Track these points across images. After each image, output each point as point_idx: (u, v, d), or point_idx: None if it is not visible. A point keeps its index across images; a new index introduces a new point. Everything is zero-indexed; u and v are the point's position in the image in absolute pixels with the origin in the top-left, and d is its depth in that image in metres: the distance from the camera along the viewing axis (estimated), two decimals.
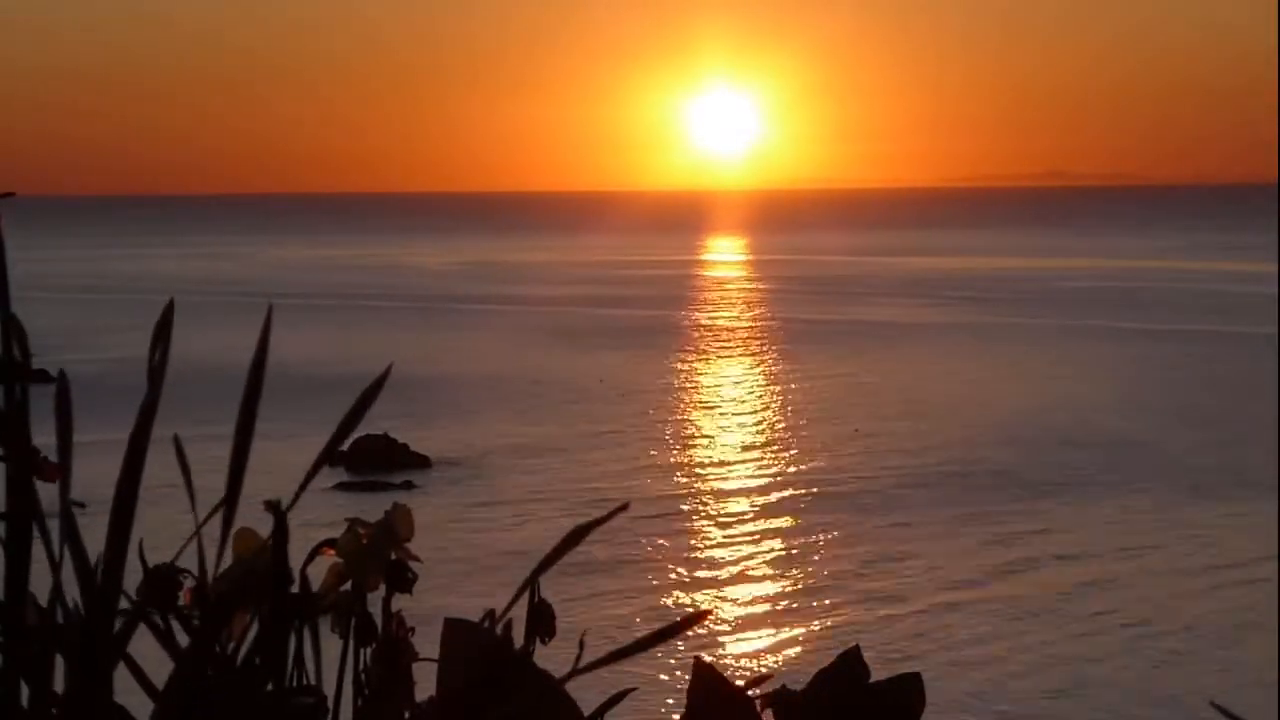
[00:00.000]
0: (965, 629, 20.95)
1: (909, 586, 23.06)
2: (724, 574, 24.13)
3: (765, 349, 54.31)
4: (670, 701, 17.08)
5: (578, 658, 2.04)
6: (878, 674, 2.54)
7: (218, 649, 1.92)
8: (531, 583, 2.13)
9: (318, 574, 2.14)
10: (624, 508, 1.98)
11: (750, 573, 24.17)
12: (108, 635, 1.84)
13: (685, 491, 29.56)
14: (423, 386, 40.42)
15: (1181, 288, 79.29)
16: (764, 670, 18.09)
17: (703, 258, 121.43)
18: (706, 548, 25.56)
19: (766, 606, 22.32)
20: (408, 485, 29.53)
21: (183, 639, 1.97)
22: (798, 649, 20.31)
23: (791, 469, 31.80)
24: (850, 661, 2.52)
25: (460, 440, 34.31)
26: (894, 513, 27.51)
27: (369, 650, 2.19)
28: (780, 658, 19.98)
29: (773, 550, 25.41)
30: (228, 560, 1.97)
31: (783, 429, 36.84)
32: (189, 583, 2.02)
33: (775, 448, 34.33)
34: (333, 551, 2.19)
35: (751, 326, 63.10)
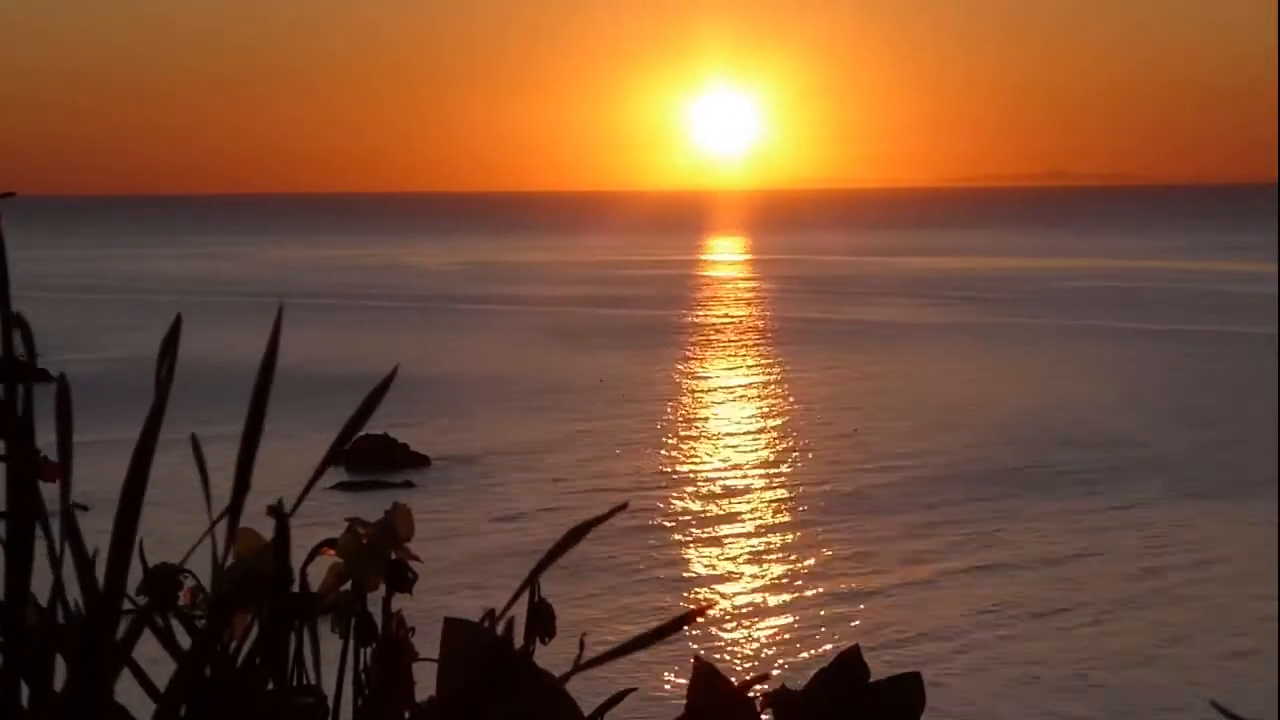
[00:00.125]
0: (965, 629, 20.94)
1: (909, 586, 23.06)
2: (723, 573, 24.12)
3: (765, 349, 54.30)
4: (670, 701, 17.08)
5: (578, 656, 2.04)
6: (877, 674, 2.54)
7: (218, 649, 1.92)
8: (531, 582, 2.13)
9: (318, 574, 2.14)
10: (623, 507, 1.98)
11: (750, 572, 24.17)
12: (109, 636, 1.84)
13: (684, 491, 29.56)
14: (423, 386, 40.42)
15: (1181, 288, 79.27)
16: (763, 669, 18.09)
17: (703, 257, 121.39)
18: (706, 547, 25.56)
19: (766, 606, 22.31)
20: (407, 485, 29.52)
21: (183, 639, 1.97)
22: (797, 649, 20.31)
23: (791, 469, 31.79)
24: (850, 661, 2.52)
25: (460, 440, 34.30)
26: (893, 512, 27.50)
27: (369, 650, 2.19)
28: (779, 657, 19.98)
29: (772, 550, 25.40)
30: (231, 561, 1.98)
31: (782, 429, 36.83)
32: (189, 583, 2.03)
33: (775, 447, 34.32)
34: (333, 551, 2.19)
35: (751, 326, 63.09)
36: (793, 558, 24.88)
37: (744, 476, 31.28)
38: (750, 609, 22.16)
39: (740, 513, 28.04)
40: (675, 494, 29.31)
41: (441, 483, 30.23)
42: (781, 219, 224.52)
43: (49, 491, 1.91)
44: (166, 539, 1.95)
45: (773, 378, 46.47)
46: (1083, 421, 36.58)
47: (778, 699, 2.49)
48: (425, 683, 2.20)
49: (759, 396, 42.69)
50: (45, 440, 1.92)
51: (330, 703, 2.05)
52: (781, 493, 29.60)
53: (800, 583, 23.40)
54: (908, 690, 2.54)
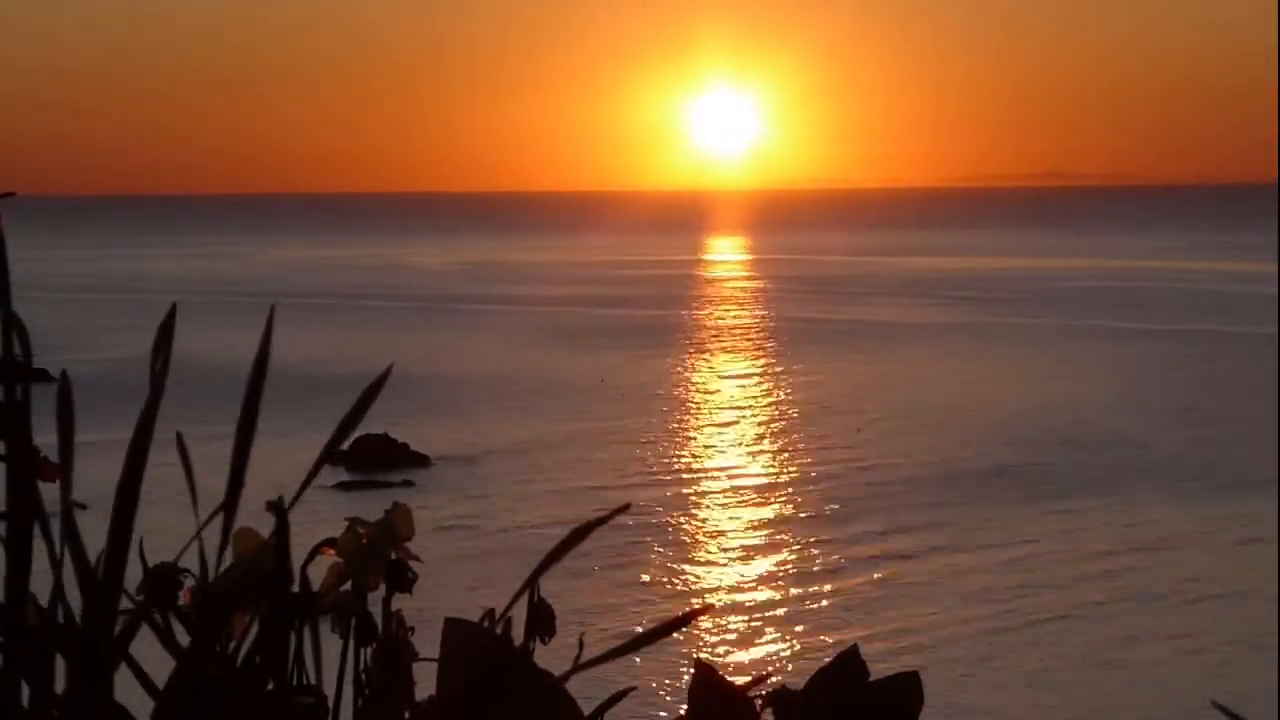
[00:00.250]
0: (965, 628, 20.95)
1: (908, 586, 23.06)
2: (723, 573, 24.13)
3: (765, 349, 54.31)
4: (670, 701, 17.09)
5: (578, 655, 2.04)
6: (876, 673, 2.54)
7: (218, 648, 1.92)
8: (532, 582, 2.13)
9: (318, 574, 2.14)
10: (625, 508, 1.98)
11: (750, 572, 24.17)
12: (109, 635, 1.84)
13: (684, 491, 29.56)
14: (423, 386, 40.42)
15: (1181, 288, 79.29)
16: (762, 668, 18.09)
17: (703, 257, 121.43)
18: (706, 547, 25.56)
19: (766, 606, 22.32)
20: (407, 484, 29.53)
21: (183, 638, 1.97)
22: (797, 649, 20.31)
23: (792, 469, 31.80)
24: (849, 661, 2.52)
25: (460, 440, 34.31)
26: (894, 512, 27.51)
27: (369, 650, 2.19)
28: (779, 657, 19.98)
29: (772, 550, 25.41)
30: (228, 560, 1.98)
31: (783, 428, 36.83)
32: (189, 582, 2.03)
33: (775, 447, 34.33)
34: (333, 551, 2.19)
35: (752, 326, 63.10)
36: (793, 556, 24.88)
37: (744, 475, 31.28)
38: (750, 608, 22.16)
39: (741, 512, 28.04)
40: (675, 493, 29.31)
41: (441, 482, 30.24)
42: (781, 219, 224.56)
43: (49, 491, 1.91)
44: (167, 538, 1.95)
45: (773, 377, 46.47)
46: (1083, 421, 36.58)
47: (777, 699, 2.49)
48: (425, 683, 2.20)
49: (759, 396, 42.70)
50: (44, 440, 1.91)
51: (330, 703, 2.05)
52: (782, 492, 29.60)
53: (800, 581, 23.40)
54: (906, 690, 2.54)
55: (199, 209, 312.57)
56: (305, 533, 1.99)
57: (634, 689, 2.29)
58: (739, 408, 40.58)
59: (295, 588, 2.00)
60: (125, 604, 1.91)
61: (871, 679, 2.50)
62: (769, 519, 27.48)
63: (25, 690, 1.86)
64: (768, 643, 20.65)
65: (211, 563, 1.97)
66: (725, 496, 29.35)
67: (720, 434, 36.37)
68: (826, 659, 2.56)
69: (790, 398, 41.93)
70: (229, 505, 1.91)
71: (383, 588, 2.20)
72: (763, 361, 50.70)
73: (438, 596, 20.23)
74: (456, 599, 20.49)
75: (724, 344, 56.33)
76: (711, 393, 43.50)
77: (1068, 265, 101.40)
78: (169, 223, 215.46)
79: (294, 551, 1.97)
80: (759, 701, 2.46)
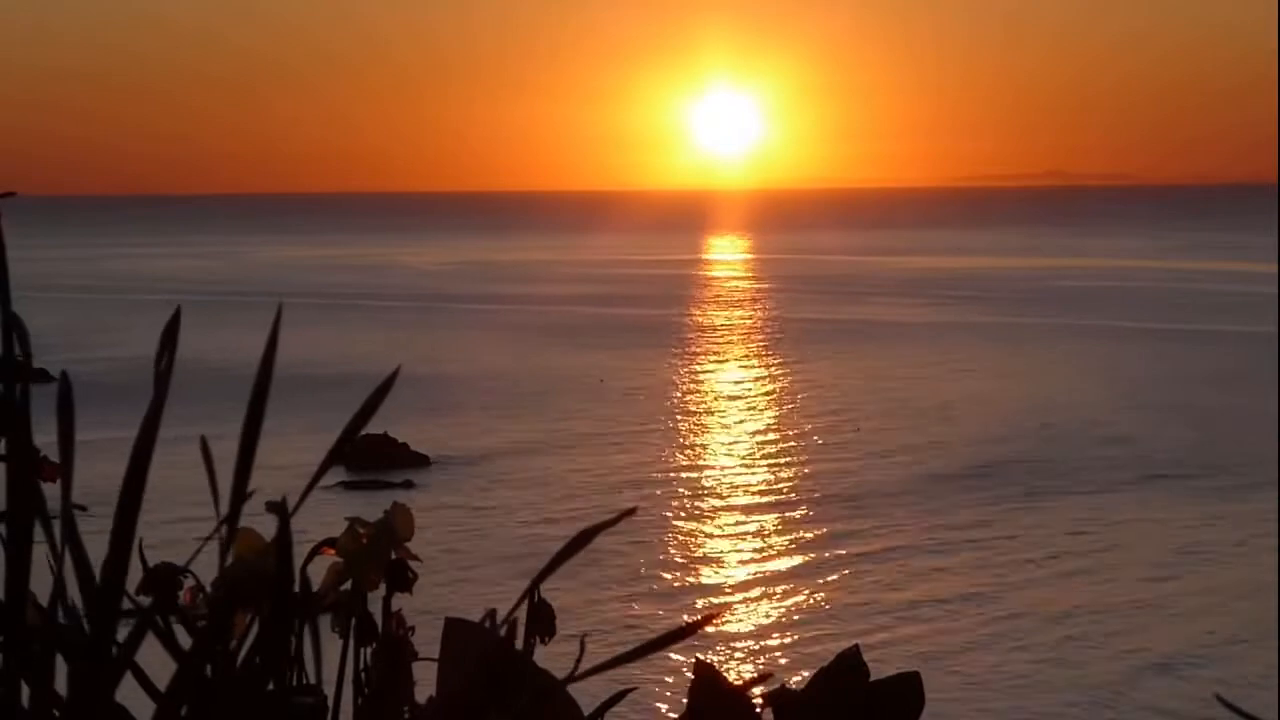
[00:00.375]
0: (965, 628, 20.94)
1: (908, 585, 23.06)
2: (723, 574, 24.12)
3: (766, 348, 54.30)
4: (669, 700, 17.09)
5: (577, 660, 2.04)
6: (876, 673, 2.54)
7: (218, 649, 1.92)
8: (537, 584, 2.13)
9: (318, 574, 2.14)
10: (631, 511, 1.97)
11: (750, 572, 24.16)
12: (109, 636, 1.84)
13: (685, 491, 29.56)
14: (422, 386, 40.40)
15: (1181, 288, 79.27)
16: (762, 668, 18.09)
17: (704, 257, 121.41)
18: (706, 547, 25.56)
19: (766, 606, 22.31)
20: (407, 484, 29.53)
21: (184, 639, 1.97)
22: (797, 648, 20.30)
23: (792, 468, 31.80)
24: (849, 661, 2.52)
25: (460, 440, 34.30)
26: (894, 511, 27.51)
27: (369, 650, 2.19)
28: (779, 657, 19.98)
29: (772, 550, 25.40)
30: (230, 561, 1.97)
31: (783, 428, 36.83)
32: (189, 582, 2.02)
33: (776, 447, 34.33)
34: (333, 551, 2.19)
35: (752, 326, 63.09)
36: (792, 556, 24.88)
37: (745, 475, 31.28)
38: (750, 608, 22.16)
39: (741, 512, 28.04)
40: (676, 493, 29.31)
41: (441, 482, 30.23)
42: (782, 219, 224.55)
43: (49, 491, 1.91)
44: (167, 538, 1.94)
45: (773, 377, 46.47)
46: (1083, 420, 36.58)
47: (778, 698, 2.49)
48: (425, 683, 2.20)
49: (759, 396, 42.70)
50: (44, 440, 1.91)
51: (330, 703, 2.05)
52: (782, 492, 29.59)
53: (799, 581, 23.39)
54: (906, 690, 2.54)
55: (198, 209, 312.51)
56: (305, 533, 1.99)
57: (634, 689, 2.29)
58: (739, 407, 40.57)
59: (296, 588, 1.99)
60: (125, 604, 1.91)
61: (872, 679, 2.50)
62: (769, 518, 27.47)
63: (25, 691, 1.86)
64: (767, 643, 20.65)
65: (215, 564, 1.97)
66: (725, 496, 29.34)
67: (720, 433, 36.36)
68: (826, 659, 2.56)
69: (789, 397, 41.93)
70: (233, 510, 1.91)
71: (383, 588, 2.20)
72: (763, 361, 50.69)
73: (438, 596, 20.24)
74: (457, 599, 20.50)
75: (724, 344, 56.33)
76: (711, 392, 43.49)
77: (1068, 265, 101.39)
78: (168, 223, 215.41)
79: (294, 551, 1.96)
80: (759, 702, 2.46)
